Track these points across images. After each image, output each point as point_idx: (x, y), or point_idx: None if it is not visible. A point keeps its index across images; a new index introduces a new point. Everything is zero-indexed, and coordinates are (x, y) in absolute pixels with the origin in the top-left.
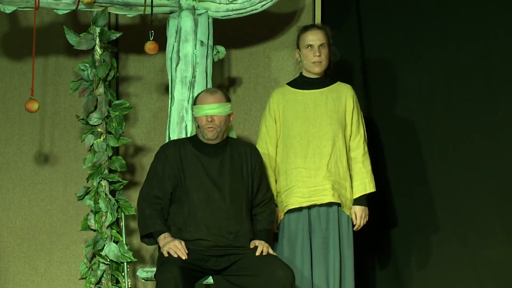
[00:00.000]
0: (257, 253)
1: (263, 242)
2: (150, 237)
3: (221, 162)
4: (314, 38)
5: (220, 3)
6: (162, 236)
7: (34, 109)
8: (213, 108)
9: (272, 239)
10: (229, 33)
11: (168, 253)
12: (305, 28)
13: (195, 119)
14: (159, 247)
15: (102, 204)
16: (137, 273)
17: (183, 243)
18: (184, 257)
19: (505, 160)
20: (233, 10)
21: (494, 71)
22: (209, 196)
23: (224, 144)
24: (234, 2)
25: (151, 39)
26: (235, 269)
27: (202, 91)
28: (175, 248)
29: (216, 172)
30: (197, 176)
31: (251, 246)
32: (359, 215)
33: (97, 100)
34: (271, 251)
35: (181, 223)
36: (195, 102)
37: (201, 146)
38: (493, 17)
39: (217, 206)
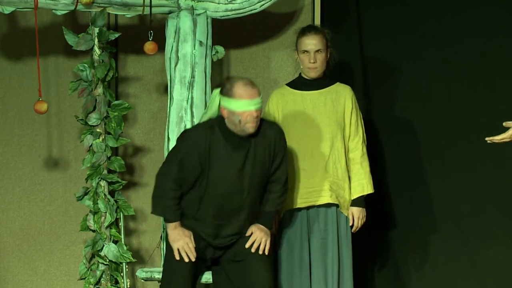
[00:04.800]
0: (252, 250)
1: (262, 233)
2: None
3: (247, 154)
4: (311, 43)
5: (219, 3)
6: (172, 225)
7: (43, 110)
8: (258, 103)
9: (277, 221)
10: (228, 33)
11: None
12: (303, 32)
13: (231, 111)
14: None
15: (101, 205)
16: (136, 273)
17: (192, 242)
18: (193, 259)
19: (505, 160)
20: (232, 10)
21: (494, 71)
22: (227, 190)
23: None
24: (233, 2)
25: (150, 39)
26: (229, 257)
27: (237, 81)
28: (182, 249)
29: (240, 165)
30: (220, 167)
31: (248, 232)
32: (356, 217)
33: (96, 100)
34: (267, 246)
35: (194, 210)
36: (232, 94)
37: (229, 136)
38: (493, 17)
39: (232, 200)
